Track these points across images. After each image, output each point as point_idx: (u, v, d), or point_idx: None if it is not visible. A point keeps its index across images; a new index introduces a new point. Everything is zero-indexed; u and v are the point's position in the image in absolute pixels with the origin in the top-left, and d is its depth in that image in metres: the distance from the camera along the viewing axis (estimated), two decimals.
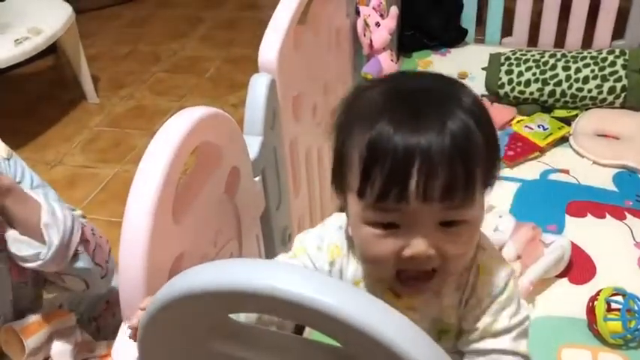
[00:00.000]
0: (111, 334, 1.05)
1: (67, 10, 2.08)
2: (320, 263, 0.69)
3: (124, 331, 0.63)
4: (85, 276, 0.88)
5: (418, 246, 0.56)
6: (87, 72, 2.23)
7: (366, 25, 1.37)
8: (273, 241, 1.00)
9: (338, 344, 0.44)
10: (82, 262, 0.86)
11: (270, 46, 0.92)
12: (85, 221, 0.93)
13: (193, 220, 0.71)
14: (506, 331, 0.64)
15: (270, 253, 0.99)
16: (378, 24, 1.38)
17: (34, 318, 0.90)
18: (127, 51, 2.67)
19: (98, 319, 1.12)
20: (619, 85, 1.54)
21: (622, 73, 1.54)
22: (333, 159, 0.61)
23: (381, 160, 0.54)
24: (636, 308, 1.01)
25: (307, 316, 0.42)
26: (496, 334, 0.64)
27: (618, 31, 1.84)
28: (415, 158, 0.53)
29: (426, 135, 0.54)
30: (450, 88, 0.60)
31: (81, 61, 2.20)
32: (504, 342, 0.64)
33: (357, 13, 1.37)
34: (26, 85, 2.45)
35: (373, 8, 1.39)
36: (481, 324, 0.64)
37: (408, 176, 0.54)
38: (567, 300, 1.11)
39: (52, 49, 2.47)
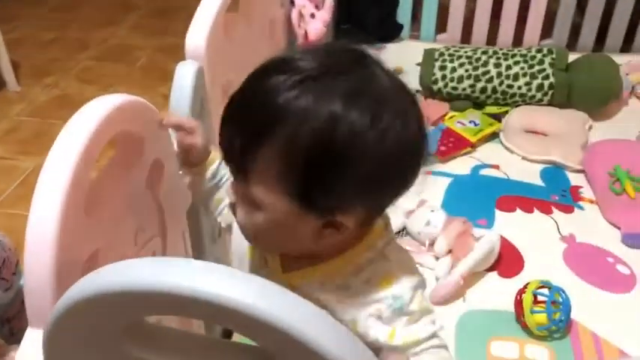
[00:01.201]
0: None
1: None
2: None
3: (30, 335, 0.58)
4: None
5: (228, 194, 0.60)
6: (6, 58, 2.10)
7: (301, 16, 1.34)
8: (202, 238, 0.96)
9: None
10: None
11: (198, 32, 0.88)
12: None
13: (110, 216, 0.67)
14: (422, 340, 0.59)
15: (198, 251, 0.95)
16: (313, 15, 1.36)
17: None
18: (53, 37, 2.53)
19: (12, 320, 1.05)
20: (546, 83, 1.58)
21: (549, 71, 1.58)
22: None
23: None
24: (561, 300, 1.04)
25: (219, 315, 0.39)
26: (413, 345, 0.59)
27: (546, 32, 1.90)
28: (231, 104, 0.55)
29: (251, 91, 0.54)
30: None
31: None
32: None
33: (292, 3, 1.35)
34: None
35: None
36: (393, 339, 0.58)
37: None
38: (496, 293, 1.13)
39: None
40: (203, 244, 0.97)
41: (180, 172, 0.82)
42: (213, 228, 1.01)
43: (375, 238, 0.60)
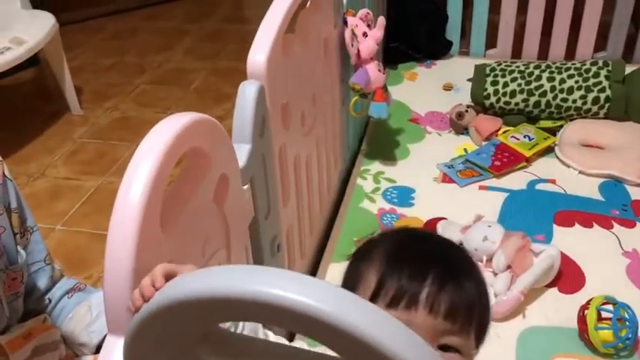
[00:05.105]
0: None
1: (50, 21, 2.06)
2: None
3: (109, 341, 0.61)
4: None
5: None
6: (70, 83, 2.21)
7: (354, 35, 1.36)
8: (262, 251, 0.98)
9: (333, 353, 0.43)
10: None
11: (260, 52, 0.91)
12: None
13: (181, 229, 0.70)
14: None
15: (258, 264, 0.97)
16: (365, 34, 1.38)
17: (19, 331, 0.88)
18: (112, 63, 2.65)
19: None
20: (603, 96, 1.56)
21: (605, 83, 1.56)
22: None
23: (398, 268, 0.60)
24: (627, 317, 1.01)
25: (299, 323, 0.40)
26: None
27: (599, 44, 1.87)
28: (431, 270, 0.59)
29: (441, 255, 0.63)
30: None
31: (64, 72, 2.17)
32: None
33: (345, 23, 1.37)
34: (8, 97, 2.41)
35: (360, 18, 1.38)
36: None
37: (420, 287, 0.58)
38: (558, 309, 1.11)
39: (35, 61, 2.44)
40: (263, 257, 0.99)
41: (244, 188, 0.85)
42: (272, 242, 1.03)
43: None
